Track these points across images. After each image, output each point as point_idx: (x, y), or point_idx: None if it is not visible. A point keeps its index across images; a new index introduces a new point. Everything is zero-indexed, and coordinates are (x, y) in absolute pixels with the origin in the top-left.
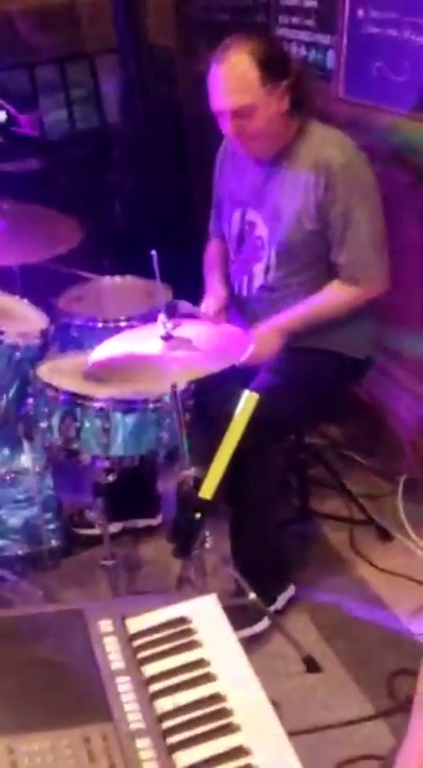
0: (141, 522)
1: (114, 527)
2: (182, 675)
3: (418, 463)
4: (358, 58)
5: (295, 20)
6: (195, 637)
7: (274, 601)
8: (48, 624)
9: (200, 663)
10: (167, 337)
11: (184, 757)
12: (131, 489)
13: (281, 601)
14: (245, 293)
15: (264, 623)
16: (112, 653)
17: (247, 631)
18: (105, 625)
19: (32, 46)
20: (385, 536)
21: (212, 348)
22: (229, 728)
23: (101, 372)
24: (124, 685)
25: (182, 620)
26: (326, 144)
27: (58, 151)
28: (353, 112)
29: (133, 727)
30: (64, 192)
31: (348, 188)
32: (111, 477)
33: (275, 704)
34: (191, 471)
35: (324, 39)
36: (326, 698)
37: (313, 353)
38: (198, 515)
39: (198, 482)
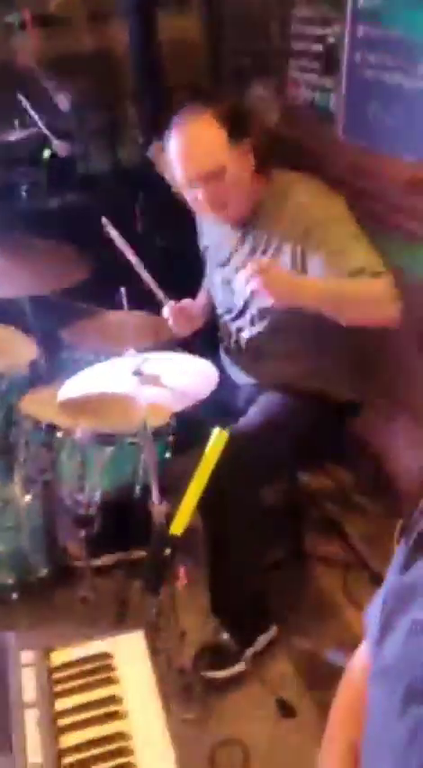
0: (135, 554)
1: (107, 559)
2: (92, 711)
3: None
4: (356, 101)
5: (304, 63)
6: (114, 673)
7: (253, 642)
8: None
9: (112, 700)
10: (137, 373)
11: None
12: (124, 521)
13: (261, 642)
14: (234, 345)
15: (241, 665)
16: (28, 684)
17: (223, 673)
18: (27, 656)
19: (81, 88)
20: (379, 581)
21: (181, 384)
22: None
23: (72, 406)
24: (32, 718)
25: (104, 656)
26: (292, 192)
27: (101, 188)
28: (351, 155)
29: (31, 761)
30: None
31: (326, 228)
32: (91, 510)
33: (244, 747)
34: (163, 507)
35: (328, 82)
36: (297, 745)
37: (297, 395)
38: (167, 551)
39: (171, 518)
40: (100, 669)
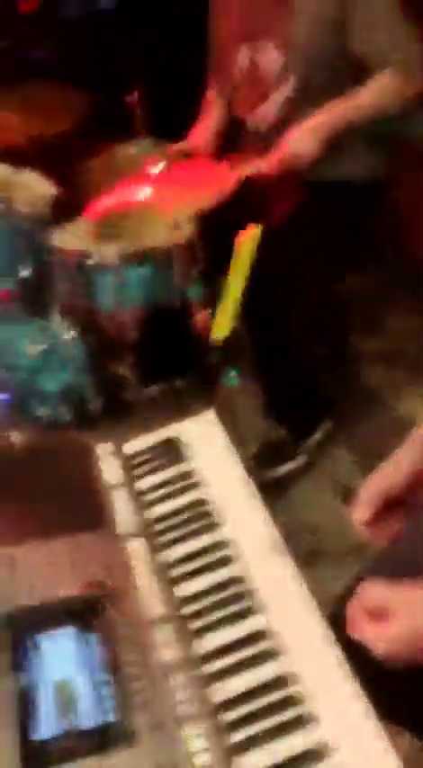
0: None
1: (159, 385)
2: (173, 485)
3: None
4: None
5: None
6: (189, 451)
7: (311, 434)
8: (50, 447)
9: (190, 473)
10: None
11: (173, 553)
12: (172, 343)
13: (319, 433)
14: (263, 126)
15: (300, 459)
16: (110, 471)
17: (285, 467)
18: (103, 447)
19: None
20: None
21: (202, 184)
22: (213, 526)
23: (100, 231)
24: (120, 497)
25: (176, 439)
26: None
27: (79, 29)
28: None
29: (126, 531)
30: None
31: None
32: (135, 334)
33: (312, 529)
34: (205, 314)
35: None
36: None
37: (330, 188)
38: (213, 358)
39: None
40: (174, 450)
